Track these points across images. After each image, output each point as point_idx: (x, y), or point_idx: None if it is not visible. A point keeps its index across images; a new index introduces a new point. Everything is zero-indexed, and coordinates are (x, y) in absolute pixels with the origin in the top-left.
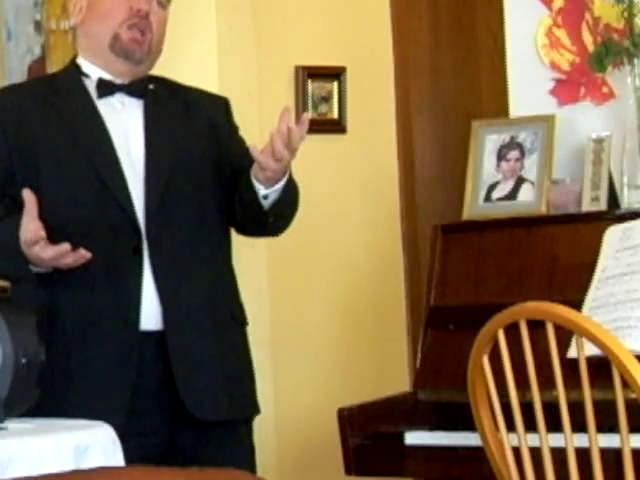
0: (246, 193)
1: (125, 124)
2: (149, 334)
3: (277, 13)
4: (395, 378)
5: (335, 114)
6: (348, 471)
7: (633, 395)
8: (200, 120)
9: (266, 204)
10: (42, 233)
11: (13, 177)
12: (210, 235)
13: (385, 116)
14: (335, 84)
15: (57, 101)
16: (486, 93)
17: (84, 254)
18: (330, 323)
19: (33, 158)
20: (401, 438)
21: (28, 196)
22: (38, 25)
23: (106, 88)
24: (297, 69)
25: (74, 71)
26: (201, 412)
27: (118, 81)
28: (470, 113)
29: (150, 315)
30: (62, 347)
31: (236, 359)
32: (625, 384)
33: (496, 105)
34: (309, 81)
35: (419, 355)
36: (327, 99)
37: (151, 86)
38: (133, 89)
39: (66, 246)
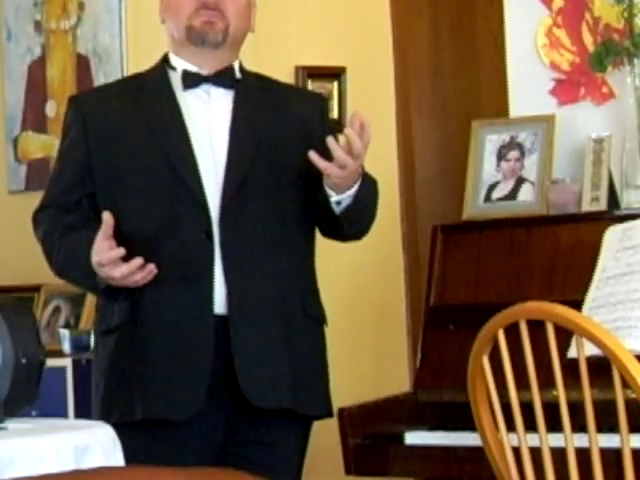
0: (320, 198)
1: (210, 113)
2: (221, 318)
3: (277, 13)
4: (395, 378)
5: (335, 114)
6: (348, 471)
7: (633, 395)
8: (291, 115)
9: (338, 210)
10: (109, 255)
11: (92, 175)
12: (289, 230)
13: (385, 116)
14: (335, 84)
15: (140, 97)
16: (486, 93)
17: (152, 269)
18: (330, 323)
19: (112, 156)
20: (401, 438)
21: (106, 218)
22: (38, 25)
23: (191, 80)
24: (297, 69)
25: (162, 66)
26: (257, 399)
27: (204, 72)
28: (470, 113)
29: (220, 299)
30: (143, 331)
31: (306, 355)
32: (625, 384)
33: (496, 105)
34: (309, 81)
35: (419, 355)
36: (327, 99)
37: (238, 75)
38: (219, 79)
39: (138, 260)
